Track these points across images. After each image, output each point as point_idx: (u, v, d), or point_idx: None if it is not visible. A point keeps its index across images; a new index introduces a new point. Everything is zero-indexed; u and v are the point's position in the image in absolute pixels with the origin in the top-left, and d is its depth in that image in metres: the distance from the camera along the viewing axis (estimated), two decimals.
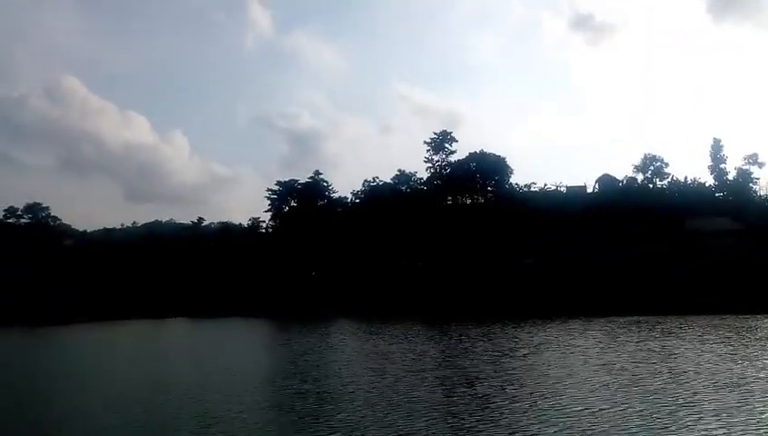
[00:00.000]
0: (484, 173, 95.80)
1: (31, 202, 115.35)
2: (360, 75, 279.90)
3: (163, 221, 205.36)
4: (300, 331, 52.19)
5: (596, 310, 58.40)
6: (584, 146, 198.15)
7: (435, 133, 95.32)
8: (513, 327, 46.79)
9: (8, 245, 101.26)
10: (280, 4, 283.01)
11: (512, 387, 21.78)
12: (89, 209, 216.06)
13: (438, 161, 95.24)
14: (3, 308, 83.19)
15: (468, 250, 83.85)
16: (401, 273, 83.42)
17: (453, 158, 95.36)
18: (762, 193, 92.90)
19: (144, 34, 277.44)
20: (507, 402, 19.11)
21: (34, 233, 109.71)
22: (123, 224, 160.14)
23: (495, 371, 25.50)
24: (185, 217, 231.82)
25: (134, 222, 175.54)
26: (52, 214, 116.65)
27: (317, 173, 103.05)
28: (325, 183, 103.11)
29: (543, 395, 19.91)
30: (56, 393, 24.77)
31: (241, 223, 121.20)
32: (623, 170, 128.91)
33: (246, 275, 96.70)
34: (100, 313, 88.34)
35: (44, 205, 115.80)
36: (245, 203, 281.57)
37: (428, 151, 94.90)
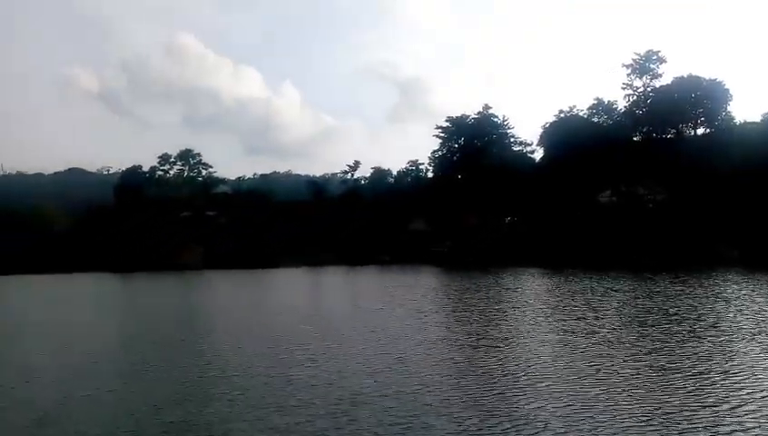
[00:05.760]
0: (697, 101, 79.27)
1: (183, 148, 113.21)
2: (464, 25, 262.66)
3: (281, 172, 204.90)
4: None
5: None
6: None
7: (637, 54, 79.36)
8: None
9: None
10: None
11: None
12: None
13: (641, 87, 79.66)
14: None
15: (686, 189, 68.79)
16: (604, 214, 69.84)
17: (658, 83, 79.54)
18: None
19: None
20: None
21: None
22: (243, 177, 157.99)
23: None
24: (301, 169, 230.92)
25: (255, 174, 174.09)
26: (203, 161, 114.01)
27: (486, 107, 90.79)
28: (496, 119, 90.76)
29: None
30: None
31: (389, 169, 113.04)
32: None
33: (413, 220, 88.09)
34: (257, 261, 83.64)
35: (195, 152, 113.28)
36: (355, 154, 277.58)
37: (627, 75, 79.52)
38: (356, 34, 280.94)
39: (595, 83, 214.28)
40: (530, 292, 32.31)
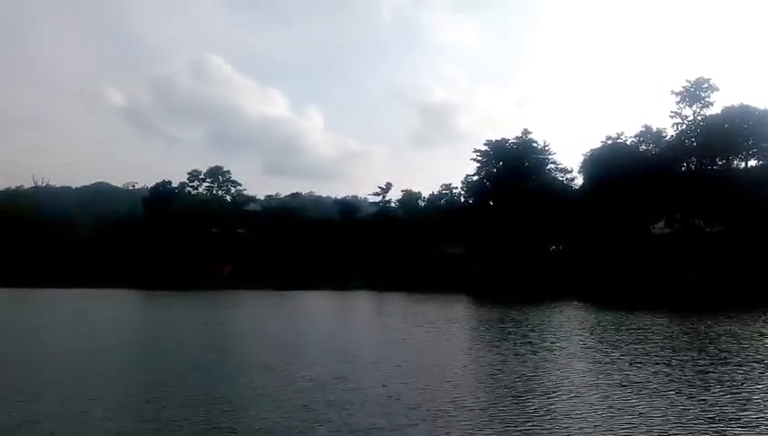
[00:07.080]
0: (749, 132, 76.10)
1: (213, 166, 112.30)
2: (495, 47, 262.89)
3: (304, 193, 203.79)
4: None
5: None
6: None
7: (688, 81, 76.56)
8: None
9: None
10: None
11: None
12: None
13: (690, 116, 76.70)
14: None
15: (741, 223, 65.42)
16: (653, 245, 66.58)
17: (708, 112, 76.57)
18: None
19: (280, 11, 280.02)
20: None
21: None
22: (266, 196, 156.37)
23: None
24: (324, 191, 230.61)
25: (277, 194, 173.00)
26: (232, 179, 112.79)
27: (525, 132, 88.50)
28: (535, 144, 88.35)
29: None
30: None
31: (420, 192, 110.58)
32: None
33: (443, 247, 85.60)
34: (286, 282, 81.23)
35: (225, 169, 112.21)
36: (379, 176, 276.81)
37: (677, 102, 76.66)
38: (385, 58, 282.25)
39: (625, 110, 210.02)
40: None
